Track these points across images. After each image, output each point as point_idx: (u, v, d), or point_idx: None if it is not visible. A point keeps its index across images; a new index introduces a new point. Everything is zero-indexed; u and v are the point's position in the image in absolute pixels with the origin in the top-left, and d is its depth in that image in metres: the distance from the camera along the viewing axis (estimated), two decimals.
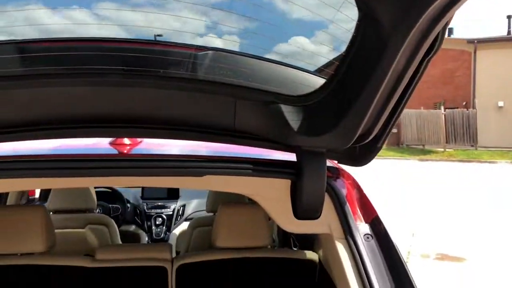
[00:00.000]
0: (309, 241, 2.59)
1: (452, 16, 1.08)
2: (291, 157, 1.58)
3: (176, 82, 1.41)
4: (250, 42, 1.47)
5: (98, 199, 3.91)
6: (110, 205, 4.14)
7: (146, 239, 4.23)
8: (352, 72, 1.28)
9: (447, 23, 1.11)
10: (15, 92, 1.34)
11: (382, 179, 12.66)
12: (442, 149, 21.15)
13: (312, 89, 1.42)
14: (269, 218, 2.13)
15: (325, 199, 1.62)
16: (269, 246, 2.20)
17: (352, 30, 1.22)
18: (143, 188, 4.61)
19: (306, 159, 1.53)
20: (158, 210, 4.46)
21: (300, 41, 1.42)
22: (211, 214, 3.23)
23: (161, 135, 1.57)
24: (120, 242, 3.30)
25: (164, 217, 4.41)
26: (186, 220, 4.36)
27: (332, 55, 1.37)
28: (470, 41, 22.72)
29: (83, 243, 3.01)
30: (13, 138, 1.47)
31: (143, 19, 1.37)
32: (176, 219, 4.40)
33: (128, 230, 4.17)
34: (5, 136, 1.45)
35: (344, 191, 1.67)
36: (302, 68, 1.47)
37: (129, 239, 3.97)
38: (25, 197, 3.56)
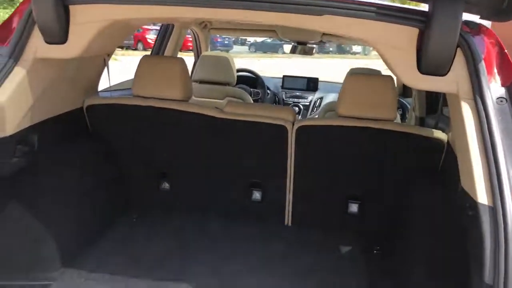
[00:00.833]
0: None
1: None
2: None
3: None
4: None
5: (240, 83, 4.16)
6: (251, 89, 4.36)
7: None
8: None
9: None
10: None
11: None
12: None
13: None
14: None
15: (456, 55, 1.46)
16: (394, 121, 2.11)
17: None
18: (283, 77, 4.74)
19: (439, 6, 1.38)
20: (296, 100, 4.57)
21: None
22: None
23: None
24: None
25: (301, 106, 4.51)
26: None
27: None
28: None
29: None
30: None
31: None
32: (312, 110, 4.46)
33: None
34: None
35: (481, 48, 1.47)
36: None
37: None
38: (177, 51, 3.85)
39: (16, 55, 1.68)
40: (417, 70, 1.51)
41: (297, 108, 4.49)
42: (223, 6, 1.56)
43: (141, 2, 1.64)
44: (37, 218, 1.84)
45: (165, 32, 3.57)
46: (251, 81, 4.48)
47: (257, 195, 2.36)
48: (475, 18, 1.60)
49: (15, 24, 1.73)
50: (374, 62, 9.88)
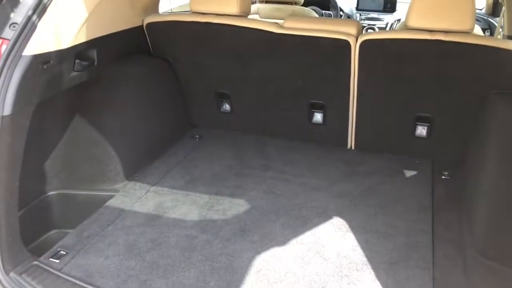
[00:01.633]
0: None
1: None
2: None
3: None
4: None
5: (311, 3, 3.94)
6: (323, 11, 4.13)
7: None
8: None
9: None
10: None
11: None
12: None
13: None
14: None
15: None
16: (469, 32, 1.86)
17: None
18: None
19: None
20: (371, 22, 4.28)
21: None
22: None
23: None
24: None
25: (377, 29, 4.22)
26: None
27: None
28: None
29: None
30: None
31: None
32: None
33: None
34: None
35: None
36: None
37: None
38: None
39: None
40: None
41: (371, 31, 4.20)
42: None
43: None
44: (102, 132, 1.92)
45: None
46: (323, 2, 4.25)
47: (318, 117, 2.27)
48: None
49: None
50: None
